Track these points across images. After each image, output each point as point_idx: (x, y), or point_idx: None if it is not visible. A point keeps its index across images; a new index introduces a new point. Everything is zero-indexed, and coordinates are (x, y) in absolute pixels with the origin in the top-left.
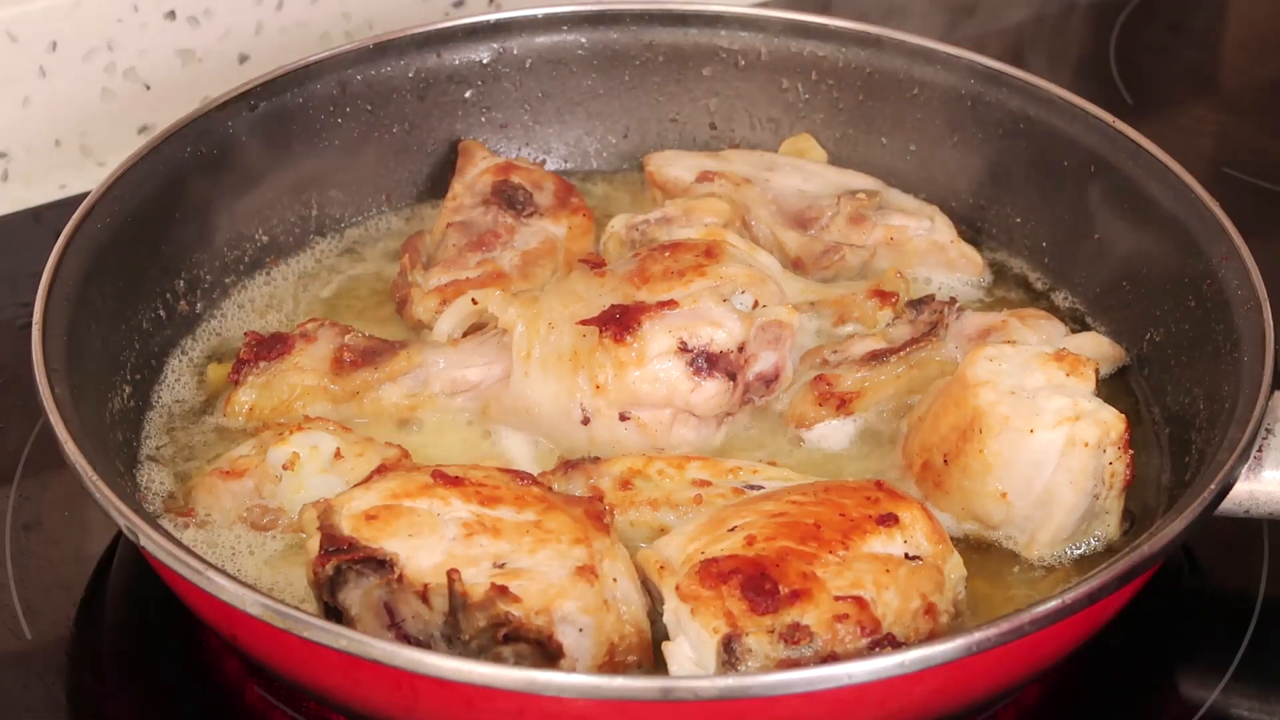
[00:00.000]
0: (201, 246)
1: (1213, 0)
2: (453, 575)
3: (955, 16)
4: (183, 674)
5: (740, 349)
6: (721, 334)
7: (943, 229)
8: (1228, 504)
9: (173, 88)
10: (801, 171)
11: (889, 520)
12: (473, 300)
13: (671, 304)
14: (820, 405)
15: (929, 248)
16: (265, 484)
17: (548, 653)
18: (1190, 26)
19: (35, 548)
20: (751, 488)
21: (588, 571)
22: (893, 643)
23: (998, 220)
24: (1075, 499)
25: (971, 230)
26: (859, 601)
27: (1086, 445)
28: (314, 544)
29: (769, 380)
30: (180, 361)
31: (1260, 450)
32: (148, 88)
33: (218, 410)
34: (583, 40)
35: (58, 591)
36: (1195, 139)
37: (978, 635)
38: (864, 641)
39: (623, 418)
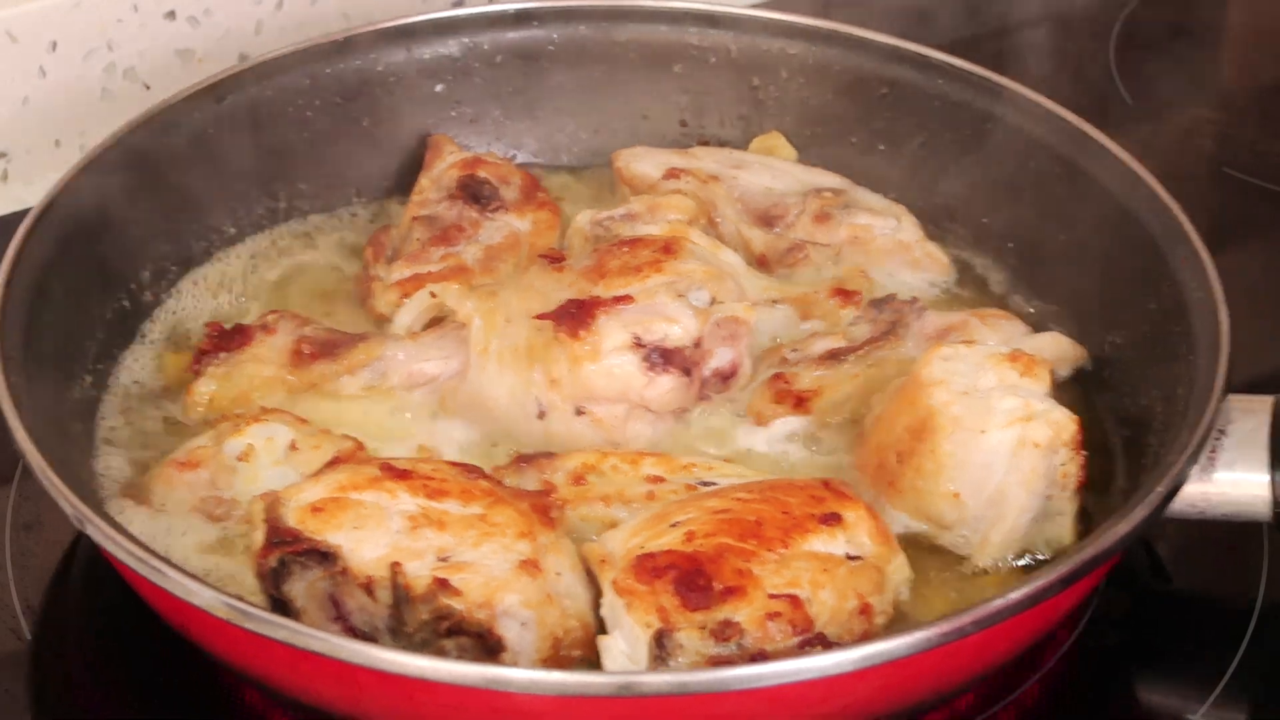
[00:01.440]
0: (167, 238)
1: (1213, 0)
2: (395, 568)
3: (955, 17)
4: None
5: (696, 344)
6: (676, 329)
7: (909, 228)
8: (1181, 505)
9: (173, 88)
10: (770, 169)
11: (832, 519)
12: (431, 294)
13: (627, 299)
14: (777, 403)
15: (894, 247)
16: (221, 475)
17: (488, 646)
18: (1190, 26)
19: (35, 548)
20: (705, 484)
21: (531, 565)
22: (824, 642)
23: (964, 220)
24: (1027, 499)
25: (938, 230)
26: (793, 600)
27: (1037, 446)
28: (259, 536)
29: (726, 376)
30: (139, 345)
31: (1213, 452)
32: (147, 88)
33: (177, 399)
34: (554, 35)
35: (57, 592)
36: (1195, 139)
37: (919, 635)
38: (795, 640)
39: (578, 412)
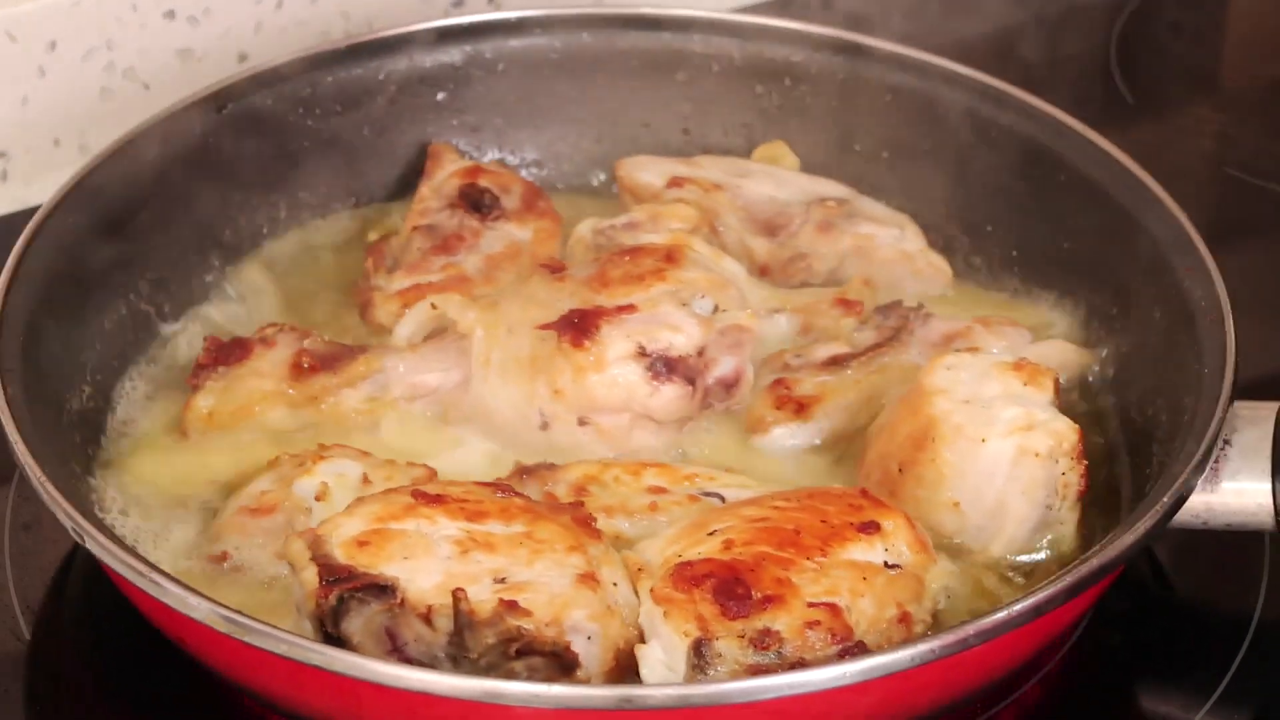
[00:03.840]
0: (166, 247)
1: (1213, 0)
2: (458, 595)
3: (955, 17)
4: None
5: (699, 353)
6: (680, 338)
7: (912, 238)
8: (1184, 516)
9: (172, 87)
10: (774, 178)
11: (870, 528)
12: (432, 305)
13: (630, 308)
14: (778, 408)
15: (897, 256)
16: (297, 517)
17: (564, 664)
18: (1190, 26)
19: (35, 548)
20: (708, 495)
21: (589, 578)
22: (864, 650)
23: (968, 229)
24: (1027, 509)
25: (942, 239)
26: (832, 608)
27: (1038, 455)
28: (309, 575)
29: (729, 385)
30: (138, 356)
31: (1217, 462)
32: (147, 87)
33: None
34: (556, 44)
35: (57, 592)
36: (1195, 139)
37: (920, 647)
38: (834, 649)
39: (581, 423)
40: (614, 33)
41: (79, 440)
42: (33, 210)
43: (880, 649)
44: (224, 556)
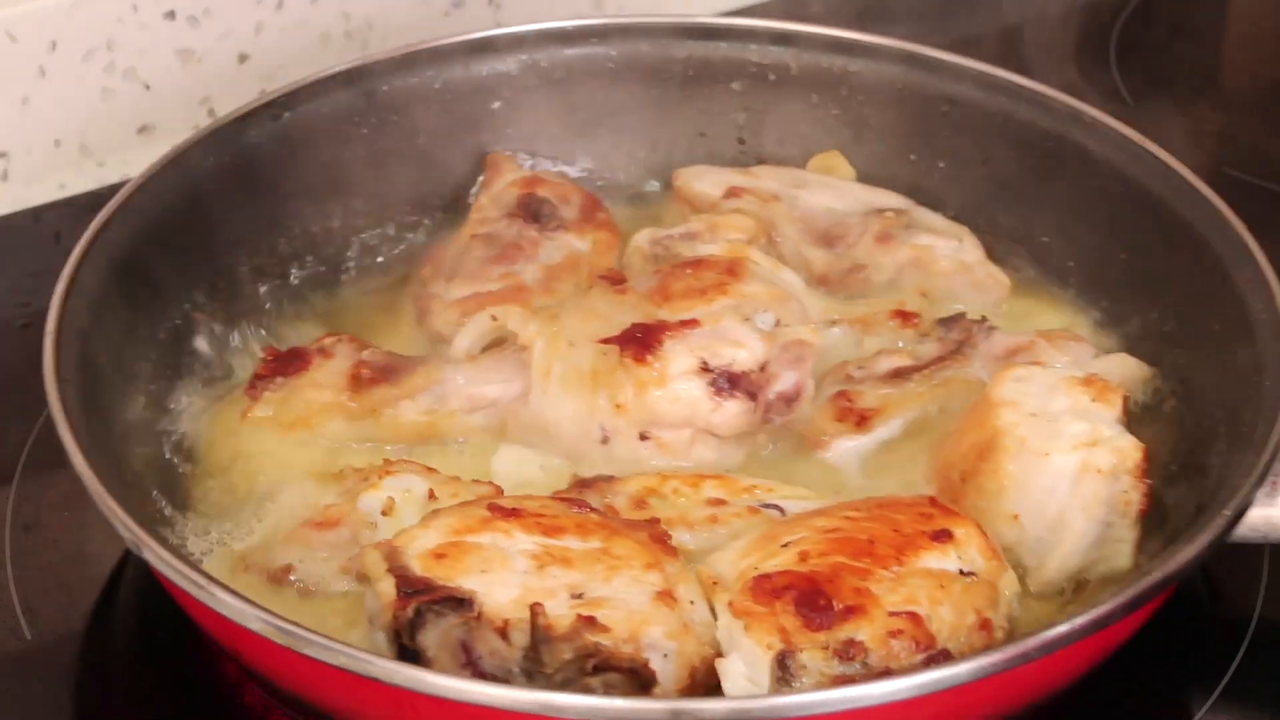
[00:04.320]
0: (221, 257)
1: (1213, 0)
2: (536, 609)
3: (954, 17)
4: (186, 676)
5: (762, 369)
6: (744, 354)
7: (970, 249)
8: (1244, 530)
9: (172, 88)
10: (832, 189)
11: (943, 536)
12: (492, 317)
13: (693, 323)
14: (839, 420)
15: (955, 268)
16: (362, 532)
17: (641, 680)
18: (1190, 26)
19: (35, 548)
20: (768, 506)
21: (667, 596)
22: (948, 658)
23: (1026, 240)
24: (1086, 525)
25: (1000, 250)
26: (913, 617)
27: (1100, 472)
28: (386, 587)
29: (790, 399)
30: (193, 366)
31: (1277, 475)
32: (147, 88)
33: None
34: (612, 53)
35: (58, 592)
36: (1195, 139)
37: (981, 660)
38: (919, 657)
39: (643, 437)
40: (670, 42)
41: (134, 450)
42: (33, 210)
43: (964, 655)
44: (287, 570)
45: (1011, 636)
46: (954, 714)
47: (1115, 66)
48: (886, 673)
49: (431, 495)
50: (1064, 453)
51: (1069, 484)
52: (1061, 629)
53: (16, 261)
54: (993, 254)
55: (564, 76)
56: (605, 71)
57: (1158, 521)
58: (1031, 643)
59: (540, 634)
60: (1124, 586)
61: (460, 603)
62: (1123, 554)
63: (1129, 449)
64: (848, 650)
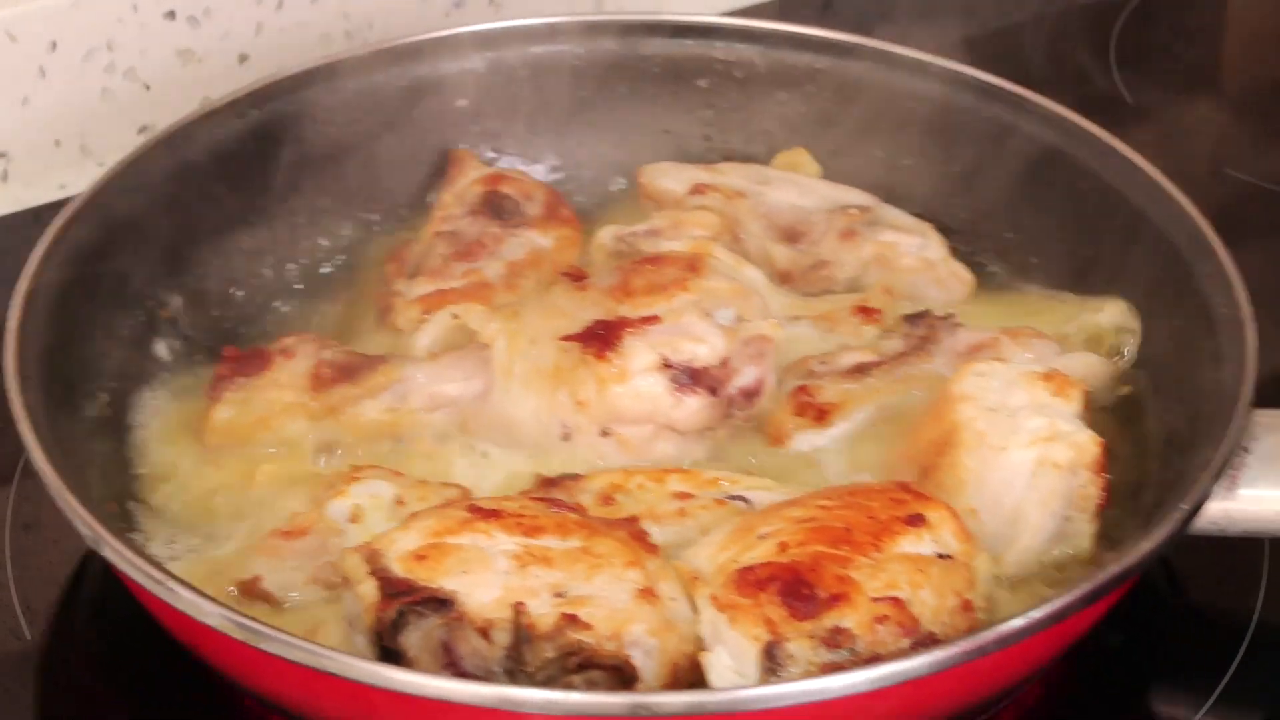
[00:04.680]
0: (183, 254)
1: (1213, 0)
2: (518, 608)
3: (955, 17)
4: (186, 676)
5: (723, 364)
6: (704, 349)
7: (934, 246)
8: (1202, 523)
9: (173, 88)
10: (797, 186)
11: (917, 520)
12: (453, 315)
13: (654, 319)
14: (798, 415)
15: (919, 265)
16: (330, 540)
17: (624, 677)
18: (1190, 26)
19: (35, 548)
20: (733, 498)
21: (648, 593)
22: (934, 641)
23: (990, 236)
24: (1043, 519)
25: (964, 247)
26: (896, 602)
27: (1058, 467)
28: (368, 589)
29: (751, 394)
30: (156, 364)
31: (1235, 469)
32: (147, 88)
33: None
34: (578, 50)
35: (58, 592)
36: (1195, 139)
37: (940, 653)
38: (905, 641)
39: (604, 433)
40: (637, 39)
41: (96, 448)
42: (33, 210)
43: (949, 638)
44: (256, 580)
45: (992, 617)
46: (930, 702)
47: (1115, 66)
48: (875, 659)
49: (400, 501)
50: (1021, 447)
51: (1026, 478)
52: (1018, 622)
53: (16, 262)
54: (956, 251)
55: (530, 74)
56: (571, 69)
57: (1116, 514)
58: (988, 636)
59: (523, 633)
60: (1083, 579)
61: (442, 603)
62: (1081, 549)
63: (1087, 443)
64: (835, 638)
